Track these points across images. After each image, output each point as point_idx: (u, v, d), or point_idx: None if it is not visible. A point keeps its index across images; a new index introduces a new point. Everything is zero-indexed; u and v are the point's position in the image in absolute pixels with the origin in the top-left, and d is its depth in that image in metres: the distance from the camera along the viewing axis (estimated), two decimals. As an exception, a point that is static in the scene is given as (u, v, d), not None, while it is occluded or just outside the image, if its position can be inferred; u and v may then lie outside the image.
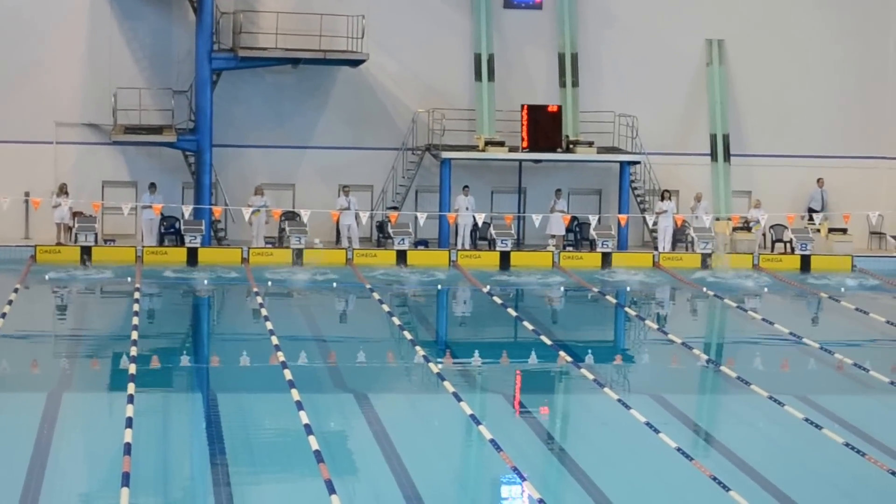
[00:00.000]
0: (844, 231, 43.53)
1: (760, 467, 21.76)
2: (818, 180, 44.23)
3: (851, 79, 44.98)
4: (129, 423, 22.77)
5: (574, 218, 42.72)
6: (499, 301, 35.68)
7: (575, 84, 43.69)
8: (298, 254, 40.41)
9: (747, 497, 19.85)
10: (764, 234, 43.90)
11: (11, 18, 41.85)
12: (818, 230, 43.10)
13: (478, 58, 43.45)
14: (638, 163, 43.40)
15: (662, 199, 43.04)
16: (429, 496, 20.04)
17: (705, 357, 29.18)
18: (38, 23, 42.05)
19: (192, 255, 40.14)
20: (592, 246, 42.33)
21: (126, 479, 19.77)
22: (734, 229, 43.33)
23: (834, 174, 44.50)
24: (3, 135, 41.96)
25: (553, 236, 42.81)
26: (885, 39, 45.07)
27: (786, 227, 43.35)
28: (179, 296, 35.77)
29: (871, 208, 43.64)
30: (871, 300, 37.05)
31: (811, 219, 43.98)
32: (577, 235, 43.11)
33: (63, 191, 40.98)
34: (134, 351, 28.21)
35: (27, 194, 41.51)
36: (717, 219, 43.01)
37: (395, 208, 42.72)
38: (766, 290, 38.64)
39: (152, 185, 41.60)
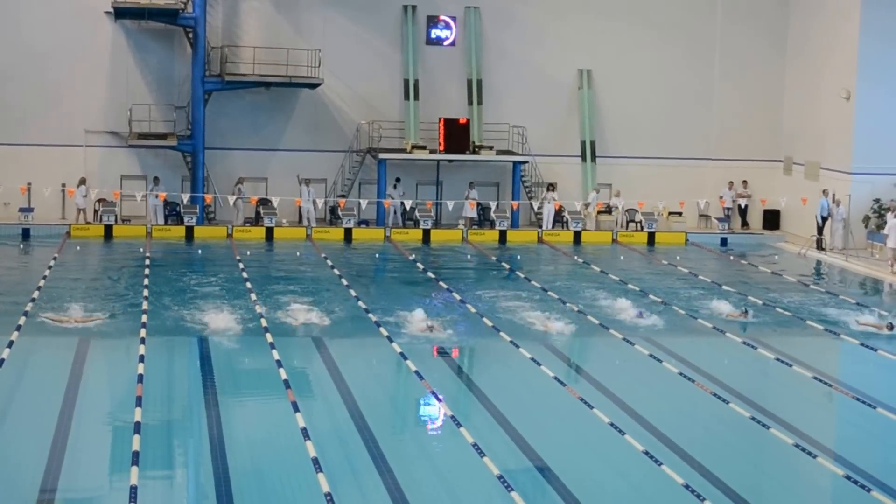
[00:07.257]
0: (680, 214, 43.97)
1: (616, 390, 22.08)
2: (823, 191, 40.51)
3: (684, 99, 45.37)
4: (142, 359, 22.80)
5: (479, 203, 42.98)
6: (421, 266, 35.74)
7: (480, 102, 43.79)
8: (270, 231, 40.39)
9: (605, 413, 20.14)
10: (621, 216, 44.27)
11: (52, 49, 41.51)
12: (661, 213, 43.49)
13: (406, 82, 43.44)
14: (527, 162, 43.64)
15: (548, 190, 43.26)
16: (368, 412, 20.27)
17: (576, 308, 29.32)
18: (71, 53, 41.70)
19: (190, 232, 40.05)
20: (493, 225, 42.52)
21: (139, 401, 19.83)
22: (599, 213, 43.64)
23: (672, 171, 44.91)
24: (44, 139, 41.61)
25: (465, 218, 42.97)
26: (710, 70, 45.47)
27: (637, 211, 43.71)
28: (180, 263, 35.53)
29: (699, 196, 44.17)
30: (700, 264, 37.43)
31: (821, 227, 40.13)
32: (481, 217, 43.27)
33: (82, 182, 40.69)
34: (145, 305, 28.17)
35: (63, 185, 41.30)
36: (587, 205, 43.36)
37: (343, 196, 42.72)
38: (622, 258, 38.93)
39: (156, 179, 41.52)
